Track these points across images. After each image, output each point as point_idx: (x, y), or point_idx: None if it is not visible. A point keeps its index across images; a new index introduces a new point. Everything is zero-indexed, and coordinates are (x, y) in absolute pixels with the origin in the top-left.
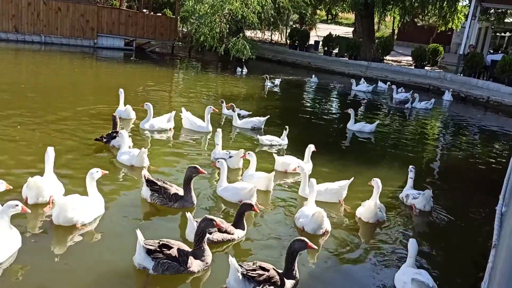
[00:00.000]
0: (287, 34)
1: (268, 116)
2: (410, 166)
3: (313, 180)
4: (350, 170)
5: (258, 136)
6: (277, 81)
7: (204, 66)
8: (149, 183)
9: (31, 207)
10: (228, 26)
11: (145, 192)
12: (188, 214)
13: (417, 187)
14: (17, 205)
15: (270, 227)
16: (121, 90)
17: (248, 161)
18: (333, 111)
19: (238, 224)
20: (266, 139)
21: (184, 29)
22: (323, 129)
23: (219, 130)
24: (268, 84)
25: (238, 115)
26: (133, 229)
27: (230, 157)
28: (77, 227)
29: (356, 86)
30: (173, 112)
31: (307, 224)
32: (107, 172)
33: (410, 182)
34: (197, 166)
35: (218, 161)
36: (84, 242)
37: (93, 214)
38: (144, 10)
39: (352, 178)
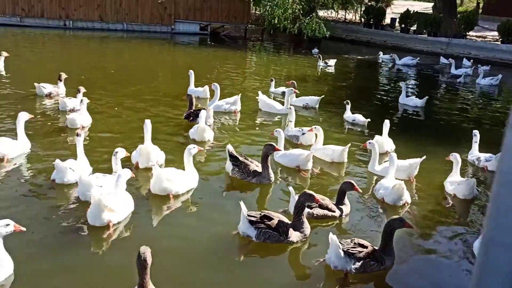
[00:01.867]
0: (362, 12)
1: (323, 96)
2: (474, 131)
3: (394, 154)
4: (413, 145)
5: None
6: (332, 62)
7: (276, 48)
8: (232, 158)
9: (141, 171)
10: (301, 6)
11: (228, 166)
12: (291, 188)
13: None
14: (8, 225)
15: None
16: (191, 71)
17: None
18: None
19: (339, 202)
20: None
21: (256, 12)
22: (377, 104)
23: (292, 108)
24: (321, 64)
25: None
26: (222, 200)
27: (303, 134)
28: (170, 197)
29: (400, 60)
30: (239, 95)
31: (388, 195)
32: (202, 148)
33: (475, 146)
34: (273, 144)
35: (276, 131)
36: (181, 210)
37: (186, 186)
38: None
39: (424, 157)
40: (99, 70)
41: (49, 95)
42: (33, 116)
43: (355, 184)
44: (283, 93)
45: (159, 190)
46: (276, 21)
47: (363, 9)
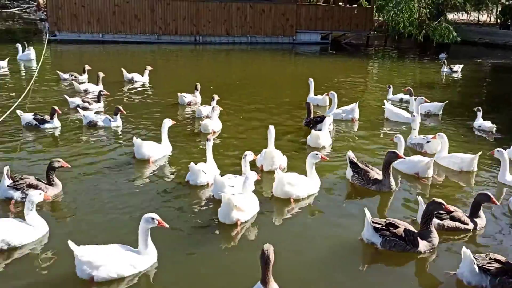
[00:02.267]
0: (498, 12)
1: (446, 102)
2: None
3: None
4: None
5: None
6: (457, 67)
7: (400, 55)
8: (352, 165)
9: (265, 174)
10: (427, 10)
11: (348, 173)
12: (419, 198)
13: None
14: (153, 219)
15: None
16: (311, 80)
17: None
18: None
19: (474, 215)
20: None
21: (379, 19)
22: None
23: (416, 115)
24: (445, 70)
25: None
26: (342, 206)
27: (428, 142)
28: (291, 200)
29: None
30: (357, 103)
31: None
32: (326, 158)
33: None
34: (396, 151)
35: (396, 136)
36: (302, 213)
37: (307, 190)
38: (340, 3)
39: None
40: (225, 81)
41: (189, 104)
42: (175, 122)
43: (492, 196)
44: (401, 100)
45: (281, 194)
46: (400, 27)
47: (499, 9)
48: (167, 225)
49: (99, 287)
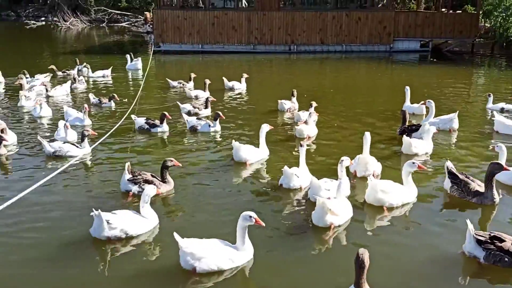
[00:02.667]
0: None
1: None
2: None
3: None
4: None
5: None
6: None
7: (509, 63)
8: (451, 175)
9: (358, 180)
10: None
11: (446, 183)
12: None
13: None
14: (251, 217)
15: None
16: (407, 88)
17: None
18: None
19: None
20: None
21: (486, 25)
22: None
23: None
24: None
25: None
26: (439, 217)
27: None
28: (384, 209)
29: None
30: (456, 113)
31: None
32: (424, 167)
33: None
34: (501, 163)
35: (497, 146)
36: (396, 221)
37: (402, 199)
38: (443, 9)
39: None
40: (319, 88)
41: (288, 110)
42: (273, 127)
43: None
44: (502, 110)
45: (373, 201)
46: (509, 33)
47: None
48: (263, 224)
49: (200, 278)
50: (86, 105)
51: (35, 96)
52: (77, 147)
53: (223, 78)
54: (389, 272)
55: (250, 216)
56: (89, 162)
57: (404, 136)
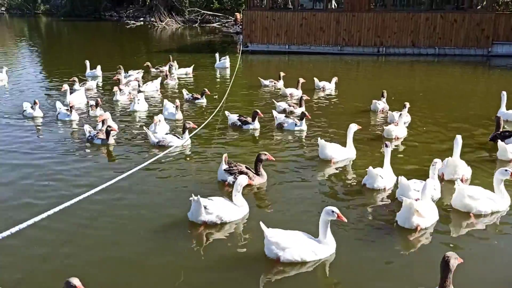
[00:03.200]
0: None
1: None
2: None
3: None
4: None
5: None
6: None
7: None
8: None
9: (446, 183)
10: None
11: None
12: None
13: None
14: (333, 212)
15: None
16: (504, 93)
17: None
18: None
19: None
20: None
21: None
22: None
23: None
24: None
25: None
26: None
27: None
28: (470, 215)
29: None
30: None
31: None
32: None
33: None
34: None
35: None
36: (486, 228)
37: (491, 207)
38: None
39: None
40: (409, 91)
41: (382, 110)
42: (361, 127)
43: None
44: None
45: (460, 206)
46: None
47: None
48: (345, 219)
49: (283, 268)
50: (177, 101)
51: (130, 91)
52: (178, 138)
53: (314, 78)
54: (477, 278)
55: (333, 211)
56: (188, 152)
57: (499, 141)
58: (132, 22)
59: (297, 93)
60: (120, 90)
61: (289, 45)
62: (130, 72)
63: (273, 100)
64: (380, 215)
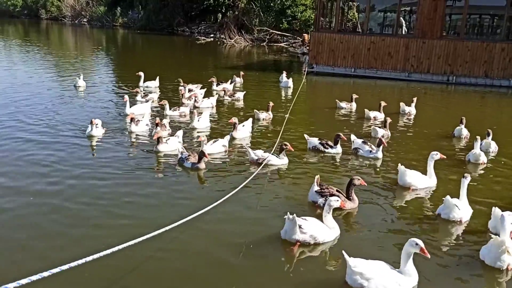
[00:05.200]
0: None
1: None
2: None
3: None
4: None
5: None
6: None
7: None
8: None
9: None
10: None
11: None
12: None
13: None
14: (417, 244)
15: None
16: None
17: None
18: None
19: None
20: None
21: None
22: None
23: None
24: None
25: None
26: None
27: None
28: None
29: None
30: None
31: None
32: None
33: None
34: None
35: None
36: None
37: None
38: None
39: None
40: (481, 122)
41: (466, 137)
42: (444, 157)
43: None
44: None
45: None
46: None
47: None
48: (428, 255)
49: None
50: (234, 118)
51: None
52: (276, 157)
53: (401, 103)
54: None
55: (417, 244)
56: (283, 172)
57: None
58: (202, 38)
59: (381, 116)
60: (182, 104)
61: (355, 68)
62: (190, 86)
63: (304, 135)
64: (460, 249)
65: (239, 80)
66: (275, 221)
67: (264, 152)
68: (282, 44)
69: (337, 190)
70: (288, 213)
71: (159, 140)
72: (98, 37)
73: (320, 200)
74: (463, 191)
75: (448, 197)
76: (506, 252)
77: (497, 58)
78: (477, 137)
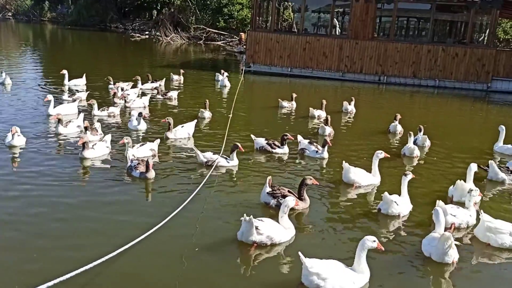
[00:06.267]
0: None
1: None
2: None
3: None
4: None
5: None
6: None
7: None
8: None
9: None
10: None
11: None
12: None
13: None
14: (374, 241)
15: None
16: (502, 127)
17: None
18: None
19: None
20: None
21: None
22: None
23: None
24: None
25: None
26: None
27: None
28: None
29: None
30: None
31: None
32: None
33: None
34: None
35: None
36: None
37: None
38: None
39: None
40: (410, 121)
41: (400, 132)
42: (388, 155)
43: None
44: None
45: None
46: None
47: None
48: (383, 248)
49: None
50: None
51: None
52: (225, 159)
53: (344, 102)
54: None
55: (374, 240)
56: (233, 174)
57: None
58: (137, 35)
59: (324, 114)
60: (114, 103)
61: (291, 68)
62: (121, 84)
63: (251, 135)
64: (404, 243)
65: (176, 78)
66: (229, 223)
67: (213, 154)
68: (219, 43)
69: (288, 191)
70: (245, 214)
71: (84, 145)
72: (25, 33)
73: (272, 201)
74: (404, 188)
75: (386, 193)
76: (452, 247)
77: (424, 59)
78: (410, 132)
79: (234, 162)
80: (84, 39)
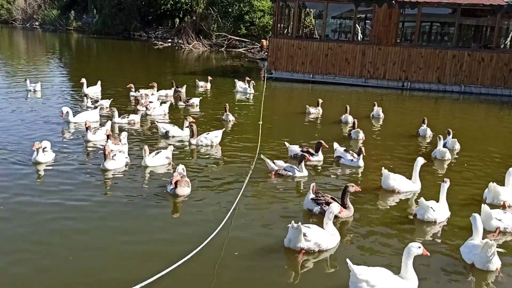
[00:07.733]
0: None
1: None
2: None
3: None
4: None
5: None
6: None
7: None
8: None
9: None
10: None
11: None
12: None
13: None
14: (420, 247)
15: None
16: None
17: None
18: None
19: None
20: None
21: None
22: None
23: None
24: None
25: None
26: None
27: None
28: None
29: None
30: None
31: None
32: None
33: None
34: None
35: None
36: None
37: None
38: None
39: None
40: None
41: (429, 137)
42: (426, 161)
43: None
44: None
45: None
46: None
47: None
48: (428, 253)
49: None
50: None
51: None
52: (296, 169)
53: (375, 107)
54: None
55: (419, 247)
56: (269, 182)
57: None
58: (160, 43)
59: (351, 119)
60: (137, 111)
61: (313, 74)
62: (143, 91)
63: (285, 142)
64: (445, 249)
65: (202, 85)
66: (275, 230)
67: (285, 162)
68: (240, 50)
69: (331, 198)
70: (293, 221)
71: (105, 156)
72: (52, 42)
73: (316, 208)
74: (443, 195)
75: (422, 199)
76: (495, 254)
77: (449, 64)
78: (440, 136)
79: (303, 173)
80: (109, 47)
